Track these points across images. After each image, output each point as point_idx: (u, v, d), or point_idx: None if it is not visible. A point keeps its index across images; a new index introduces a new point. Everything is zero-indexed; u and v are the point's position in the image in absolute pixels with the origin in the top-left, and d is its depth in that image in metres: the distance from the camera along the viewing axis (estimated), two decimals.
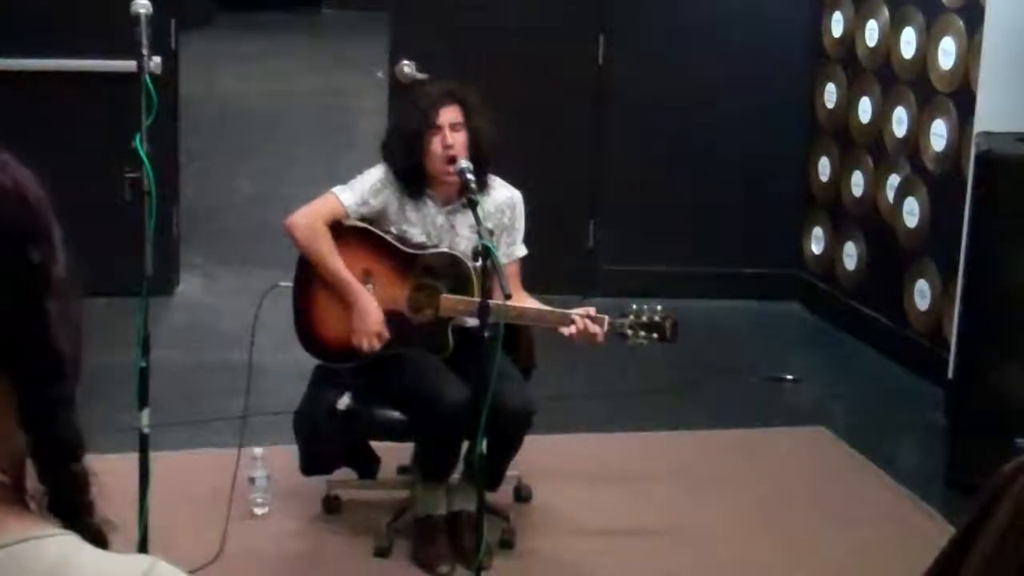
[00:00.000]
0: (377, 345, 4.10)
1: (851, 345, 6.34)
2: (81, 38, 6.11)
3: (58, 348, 1.15)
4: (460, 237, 4.17)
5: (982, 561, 1.47)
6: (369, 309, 4.09)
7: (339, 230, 4.13)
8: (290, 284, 4.23)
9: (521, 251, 4.30)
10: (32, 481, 1.14)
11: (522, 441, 4.11)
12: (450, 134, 4.08)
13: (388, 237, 4.15)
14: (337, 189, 4.17)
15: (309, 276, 4.19)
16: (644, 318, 4.02)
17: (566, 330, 3.99)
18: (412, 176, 4.15)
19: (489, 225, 4.00)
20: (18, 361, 1.12)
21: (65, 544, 1.10)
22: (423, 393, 3.99)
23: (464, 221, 4.15)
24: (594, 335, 3.98)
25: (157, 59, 5.56)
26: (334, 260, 4.11)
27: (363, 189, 4.15)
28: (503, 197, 4.24)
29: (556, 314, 4.07)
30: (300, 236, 4.13)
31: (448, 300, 4.07)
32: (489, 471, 3.98)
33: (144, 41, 3.49)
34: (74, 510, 1.14)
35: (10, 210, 1.12)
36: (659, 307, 4.06)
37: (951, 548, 1.55)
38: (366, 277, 4.14)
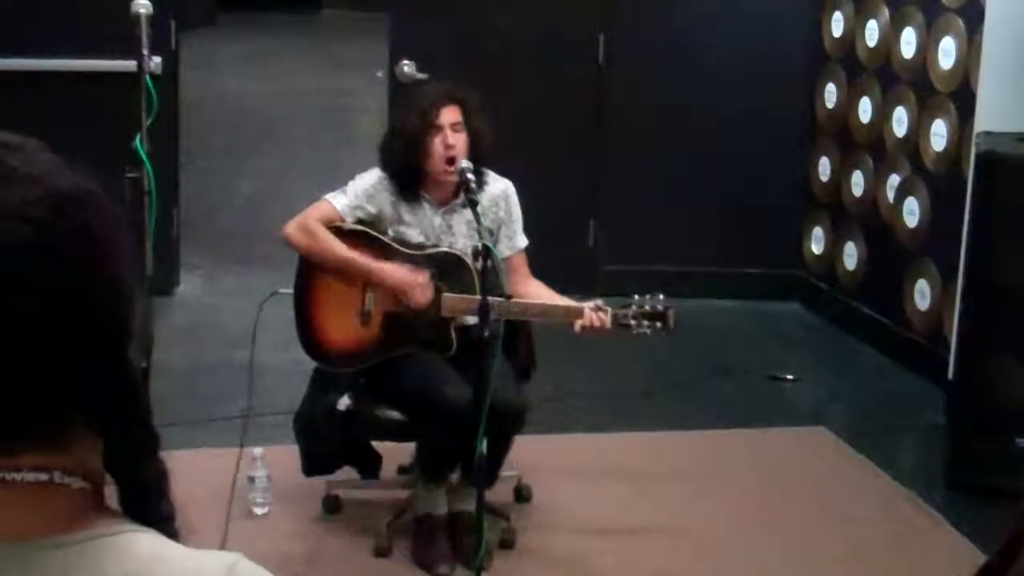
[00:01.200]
0: (430, 294, 4.07)
1: (851, 345, 6.34)
2: (81, 38, 6.11)
3: (140, 394, 1.15)
4: (457, 237, 4.17)
5: None
6: (396, 272, 4.07)
7: (337, 234, 4.11)
8: (289, 291, 4.22)
9: (522, 241, 4.30)
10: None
11: (513, 439, 4.09)
12: (451, 135, 4.07)
13: (386, 239, 4.14)
14: (329, 195, 4.15)
15: (310, 281, 4.18)
16: (647, 307, 4.04)
17: (578, 324, 3.99)
18: (409, 177, 4.14)
19: (487, 223, 4.01)
20: (105, 415, 1.12)
21: (158, 538, 1.13)
22: (425, 391, 3.98)
23: (461, 220, 4.15)
24: (601, 327, 3.99)
25: (157, 59, 5.55)
26: (339, 247, 4.08)
27: (356, 193, 4.14)
28: (497, 190, 4.23)
29: (561, 308, 4.07)
30: (298, 239, 4.11)
31: (450, 299, 4.07)
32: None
33: (144, 41, 3.50)
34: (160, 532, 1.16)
35: (105, 285, 1.09)
36: (661, 296, 4.07)
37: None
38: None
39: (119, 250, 1.12)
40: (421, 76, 6.05)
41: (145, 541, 1.12)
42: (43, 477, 1.08)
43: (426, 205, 4.17)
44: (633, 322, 4.03)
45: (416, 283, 4.06)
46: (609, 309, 4.01)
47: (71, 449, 1.11)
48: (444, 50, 6.17)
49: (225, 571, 1.15)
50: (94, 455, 1.13)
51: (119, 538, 1.10)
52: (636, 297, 4.07)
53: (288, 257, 4.32)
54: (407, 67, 6.15)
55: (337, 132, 9.82)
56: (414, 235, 4.16)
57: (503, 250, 4.18)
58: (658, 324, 4.04)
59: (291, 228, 4.12)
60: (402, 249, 4.13)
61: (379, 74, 6.77)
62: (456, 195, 4.07)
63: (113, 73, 5.76)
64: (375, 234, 4.14)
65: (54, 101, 6.16)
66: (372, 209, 4.14)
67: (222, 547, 3.89)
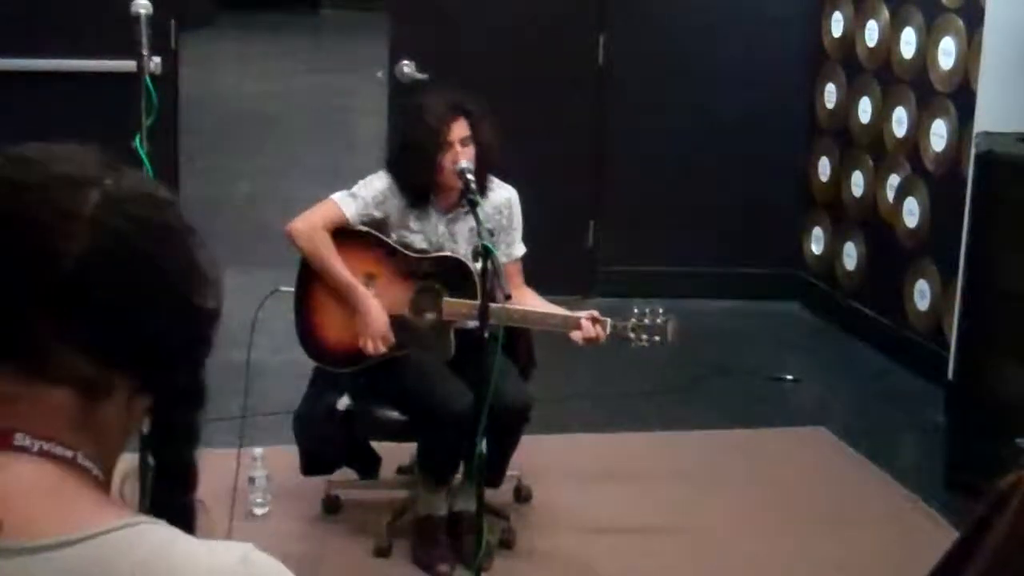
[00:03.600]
0: (383, 348, 4.09)
1: (851, 345, 6.34)
2: (81, 38, 6.11)
3: (203, 376, 1.21)
4: (460, 244, 4.17)
5: (982, 571, 1.46)
6: (374, 313, 4.08)
7: (342, 234, 4.12)
8: (290, 289, 4.22)
9: (520, 250, 4.31)
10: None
11: (520, 437, 4.10)
12: (460, 150, 4.07)
13: (391, 242, 4.14)
14: (338, 196, 4.15)
15: (311, 280, 4.18)
16: (646, 321, 4.03)
17: (575, 335, 3.99)
18: (420, 190, 4.14)
19: (489, 225, 4.01)
20: (170, 384, 1.18)
21: (167, 530, 1.14)
22: (428, 399, 3.98)
23: (463, 229, 4.16)
24: (596, 338, 3.99)
25: (157, 59, 5.55)
26: (337, 266, 4.10)
27: (366, 199, 4.13)
28: (501, 198, 4.24)
29: (559, 317, 4.07)
30: (301, 243, 4.11)
31: (451, 303, 4.07)
32: (489, 469, 3.98)
33: (144, 41, 3.49)
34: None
35: (184, 260, 1.22)
36: (660, 309, 4.06)
37: (949, 558, 1.54)
38: (368, 281, 4.14)
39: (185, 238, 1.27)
40: (421, 76, 6.05)
41: (158, 532, 1.13)
42: (68, 454, 1.11)
43: (432, 213, 4.17)
44: (632, 335, 4.03)
45: (377, 338, 4.07)
46: (608, 320, 4.01)
47: (98, 430, 1.15)
48: (444, 50, 6.16)
49: (239, 560, 1.15)
50: (118, 441, 1.17)
51: (130, 531, 1.11)
52: (636, 309, 4.06)
53: (288, 257, 4.32)
54: (407, 67, 6.15)
55: (337, 132, 9.82)
56: (418, 241, 4.16)
57: (500, 257, 4.18)
58: (656, 338, 4.04)
59: (299, 229, 4.11)
60: (407, 253, 4.13)
61: (379, 75, 6.76)
62: (460, 202, 4.08)
63: (113, 73, 5.76)
64: (380, 236, 4.14)
65: (54, 101, 6.16)
66: (379, 215, 4.14)
67: None
